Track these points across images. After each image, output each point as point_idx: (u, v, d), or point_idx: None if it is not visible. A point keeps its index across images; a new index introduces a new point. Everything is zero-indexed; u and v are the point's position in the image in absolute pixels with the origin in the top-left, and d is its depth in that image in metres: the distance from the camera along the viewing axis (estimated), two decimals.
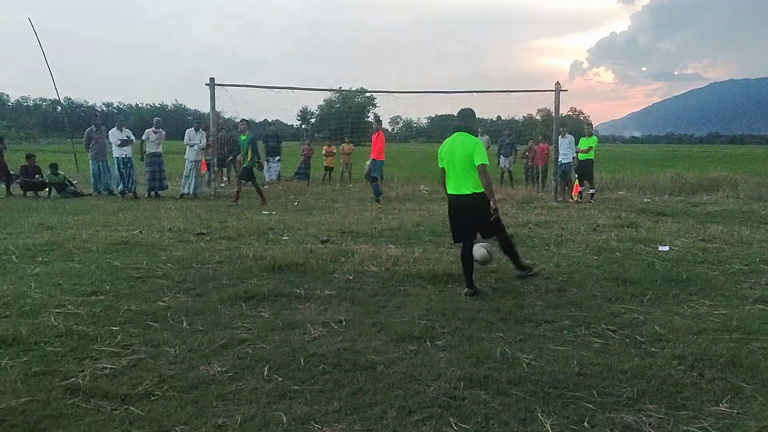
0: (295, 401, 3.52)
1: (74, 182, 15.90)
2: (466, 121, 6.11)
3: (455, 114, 6.25)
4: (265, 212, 11.91)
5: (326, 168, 20.69)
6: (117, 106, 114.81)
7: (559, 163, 15.22)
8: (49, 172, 14.93)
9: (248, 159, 13.54)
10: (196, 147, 15.08)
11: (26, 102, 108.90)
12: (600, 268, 7.11)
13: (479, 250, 6.10)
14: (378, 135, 14.77)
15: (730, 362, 4.15)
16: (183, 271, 6.60)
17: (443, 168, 6.11)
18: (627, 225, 10.37)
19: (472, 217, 5.92)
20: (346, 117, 30.54)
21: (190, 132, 15.23)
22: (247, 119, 14.66)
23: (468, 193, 5.85)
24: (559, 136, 15.16)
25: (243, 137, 13.74)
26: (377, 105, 65.29)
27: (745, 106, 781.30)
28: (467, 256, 5.96)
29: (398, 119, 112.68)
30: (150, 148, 14.80)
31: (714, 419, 3.39)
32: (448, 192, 6.08)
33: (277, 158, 19.39)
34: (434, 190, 17.58)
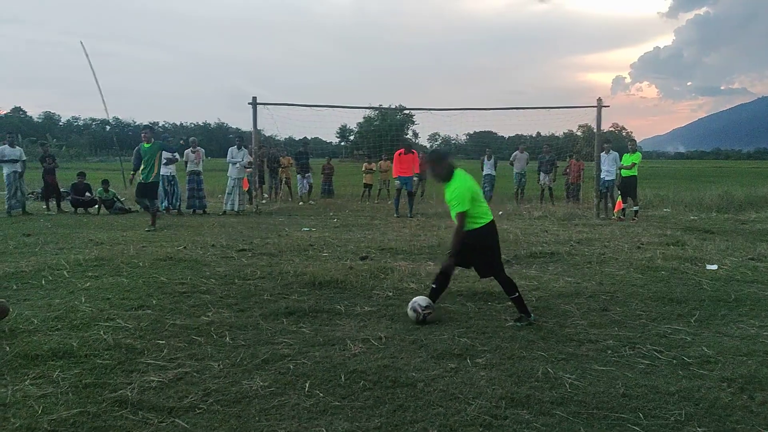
0: (336, 417, 3.55)
1: (122, 199, 16.38)
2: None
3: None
4: (305, 228, 12.05)
5: (365, 185, 20.86)
6: (162, 125, 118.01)
7: (602, 180, 15.04)
8: (100, 188, 15.43)
9: (153, 173, 11.74)
10: (238, 164, 15.37)
11: (77, 122, 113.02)
12: (644, 287, 6.96)
13: (411, 313, 5.52)
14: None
15: None
16: (226, 287, 6.72)
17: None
18: (673, 243, 10.14)
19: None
20: (385, 134, 30.73)
21: (232, 150, 15.54)
22: (151, 125, 13.66)
23: None
24: (602, 153, 15.00)
25: (145, 146, 11.78)
26: (416, 122, 65.63)
27: None
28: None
29: (437, 136, 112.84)
30: (189, 167, 15.26)
31: None
32: (491, 219, 5.54)
33: (307, 174, 19.74)
34: None
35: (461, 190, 5.40)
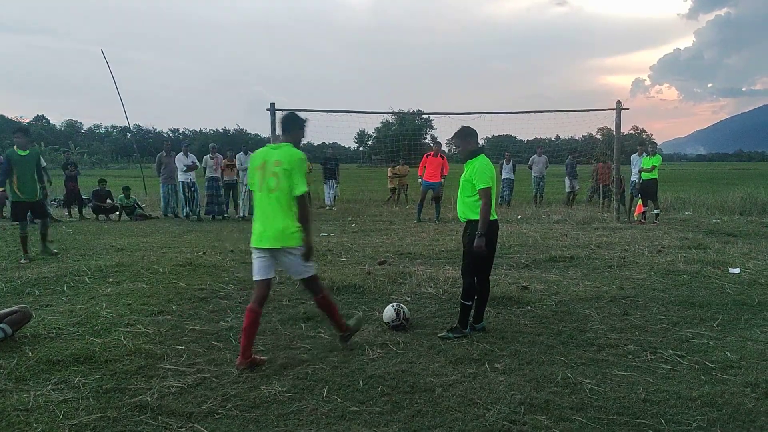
0: (354, 422, 3.54)
1: (142, 206, 16.56)
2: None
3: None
4: (323, 233, 12.07)
5: (392, 189, 20.92)
6: (182, 131, 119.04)
7: (632, 183, 15.18)
8: (122, 195, 15.62)
9: (37, 188, 9.10)
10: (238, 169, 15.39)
11: (98, 129, 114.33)
12: (666, 291, 6.88)
13: (389, 309, 5.53)
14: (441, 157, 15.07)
15: None
16: (244, 292, 6.75)
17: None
18: (694, 246, 10.00)
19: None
20: (402, 139, 30.77)
21: (240, 156, 15.61)
22: (26, 128, 11.13)
23: None
24: (635, 155, 15.12)
25: (21, 153, 8.91)
26: (434, 127, 65.69)
27: None
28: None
29: None
30: (208, 173, 15.38)
31: None
32: (495, 217, 5.38)
33: (334, 182, 19.72)
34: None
35: (488, 167, 5.20)
